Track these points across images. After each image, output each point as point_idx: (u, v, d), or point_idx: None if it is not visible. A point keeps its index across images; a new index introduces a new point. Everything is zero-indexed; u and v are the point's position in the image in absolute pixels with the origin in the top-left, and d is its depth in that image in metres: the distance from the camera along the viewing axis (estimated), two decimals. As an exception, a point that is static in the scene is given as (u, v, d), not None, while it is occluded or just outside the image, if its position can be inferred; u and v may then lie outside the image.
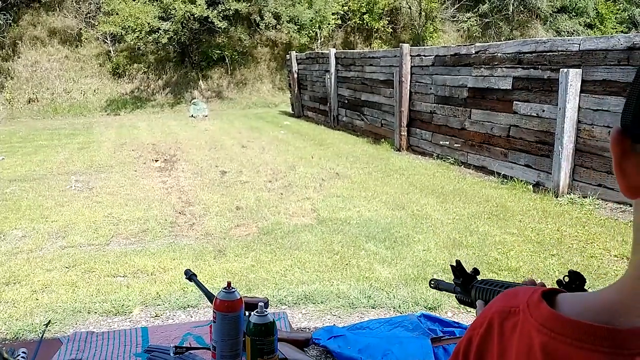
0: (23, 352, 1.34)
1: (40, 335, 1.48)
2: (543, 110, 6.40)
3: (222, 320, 1.24)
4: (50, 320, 3.34)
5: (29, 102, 18.59)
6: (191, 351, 1.34)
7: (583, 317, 0.50)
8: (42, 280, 4.14)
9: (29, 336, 3.29)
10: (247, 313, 1.33)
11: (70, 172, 8.28)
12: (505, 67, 7.01)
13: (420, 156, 8.97)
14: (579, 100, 5.90)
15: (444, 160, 8.29)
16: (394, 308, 3.55)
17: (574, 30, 23.24)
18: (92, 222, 5.66)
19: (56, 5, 20.64)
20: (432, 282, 1.28)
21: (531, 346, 0.52)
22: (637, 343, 0.46)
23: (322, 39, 21.59)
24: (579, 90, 5.89)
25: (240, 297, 1.27)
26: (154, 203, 6.36)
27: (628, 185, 0.50)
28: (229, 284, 1.28)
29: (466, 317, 3.44)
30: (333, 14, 20.15)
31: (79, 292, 3.92)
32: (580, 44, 5.91)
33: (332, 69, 12.66)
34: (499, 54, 7.13)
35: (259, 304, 1.22)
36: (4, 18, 18.94)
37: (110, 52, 20.20)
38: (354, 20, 21.78)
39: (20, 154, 10.18)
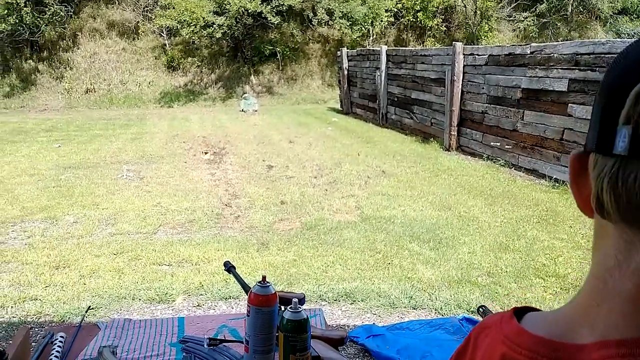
0: (61, 337, 1.37)
1: (80, 321, 1.51)
2: (599, 114, 6.17)
3: (255, 314, 1.24)
4: (90, 306, 3.42)
5: (87, 92, 19.16)
6: (225, 344, 1.34)
7: (540, 331, 0.54)
8: (90, 266, 4.25)
9: (74, 319, 3.38)
10: (281, 308, 1.32)
11: (122, 161, 8.49)
12: (561, 69, 6.81)
13: (469, 157, 8.81)
14: (639, 104, 5.67)
15: (494, 162, 8.13)
16: (435, 310, 3.50)
17: (634, 33, 22.40)
18: (140, 210, 5.79)
19: (115, -1, 21.20)
20: (481, 309, 1.27)
21: (493, 357, 0.56)
22: (583, 357, 0.48)
23: (374, 36, 21.48)
24: (639, 93, 5.65)
25: (275, 292, 1.26)
26: (201, 194, 6.46)
27: (581, 200, 0.54)
28: (264, 278, 1.28)
29: (510, 323, 3.35)
30: (386, 10, 20.00)
31: (124, 279, 4.01)
32: (642, 46, 5.68)
33: (383, 66, 12.57)
34: (555, 55, 6.93)
35: (293, 299, 1.21)
36: (65, 10, 19.57)
37: (165, 45, 20.61)
38: (407, 18, 21.58)
39: (76, 142, 10.49)
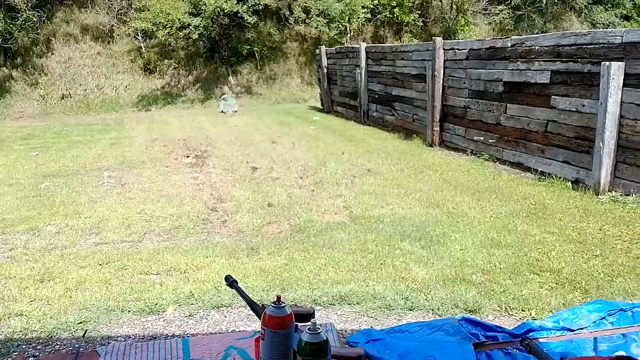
0: (61, 367, 1.28)
1: (76, 347, 1.42)
2: (583, 105, 6.20)
3: (272, 338, 1.16)
4: (87, 330, 3.31)
5: (62, 98, 18.85)
6: (236, 368, 1.27)
7: None
8: (76, 278, 4.13)
9: (62, 335, 3.27)
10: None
11: (102, 167, 8.33)
12: (543, 61, 6.81)
13: (453, 152, 8.80)
14: (622, 95, 5.70)
15: (478, 157, 8.12)
16: (432, 310, 3.45)
17: (609, 22, 22.64)
18: (124, 218, 5.67)
19: (88, 2, 20.87)
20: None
21: None
22: None
23: (352, 33, 21.43)
24: (622, 84, 5.68)
25: (291, 313, 1.19)
26: (185, 199, 6.35)
27: None
28: (278, 298, 1.20)
29: (508, 320, 3.33)
30: (363, 7, 19.95)
31: (112, 290, 3.90)
32: (623, 36, 5.70)
33: (363, 64, 12.52)
34: (536, 47, 6.94)
35: (312, 320, 1.14)
36: (38, 15, 19.22)
37: (141, 48, 20.35)
38: (383, 14, 21.55)
39: (54, 150, 10.29)
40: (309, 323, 1.18)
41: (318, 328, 1.14)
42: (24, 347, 3.17)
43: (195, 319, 3.47)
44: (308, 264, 4.26)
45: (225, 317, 3.49)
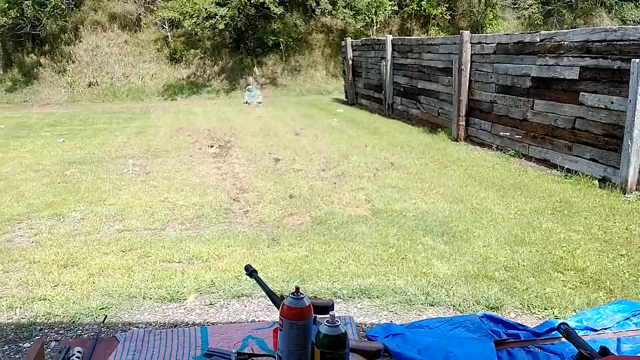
0: (78, 352, 1.29)
1: (96, 332, 1.43)
2: (612, 102, 6.07)
3: (289, 329, 1.15)
4: (106, 316, 3.34)
5: (89, 85, 19.07)
6: (254, 358, 1.26)
7: None
8: (99, 264, 4.18)
9: (85, 320, 3.31)
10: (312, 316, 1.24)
11: (127, 155, 8.41)
12: (572, 57, 6.68)
13: (478, 147, 8.70)
14: (653, 92, 5.57)
15: (503, 152, 8.02)
16: (453, 306, 3.41)
17: (640, 19, 22.16)
18: (148, 206, 5.71)
19: (117, -9, 21.06)
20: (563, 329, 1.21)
21: None
22: None
23: (378, 25, 21.29)
24: (654, 81, 5.55)
25: (309, 304, 1.18)
26: (209, 189, 6.38)
27: None
28: (297, 289, 1.19)
29: (530, 318, 3.28)
30: (390, -1, 19.83)
31: (134, 277, 3.93)
32: (656, 33, 5.57)
33: (389, 56, 12.43)
34: (565, 43, 6.81)
35: (330, 313, 1.12)
36: (67, 3, 19.45)
37: (168, 37, 20.48)
38: (411, 7, 21.37)
39: (80, 137, 10.42)
40: (327, 315, 1.16)
41: (337, 321, 1.12)
42: (46, 331, 3.21)
43: (216, 308, 3.48)
44: (328, 256, 4.24)
45: (246, 306, 3.50)
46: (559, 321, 3.09)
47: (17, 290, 3.75)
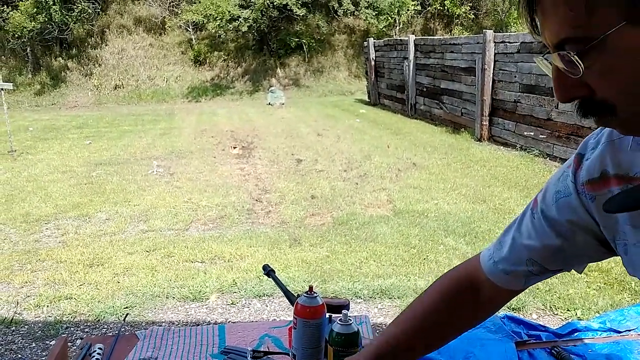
0: (99, 349, 1.32)
1: (118, 330, 1.46)
2: (639, 101, 5.97)
3: (303, 327, 1.17)
4: (128, 314, 3.40)
5: (115, 88, 19.35)
6: (269, 356, 1.28)
7: None
8: (124, 263, 4.25)
9: (109, 319, 3.38)
10: (327, 315, 1.25)
11: (152, 157, 8.52)
12: (598, 55, 6.59)
13: (502, 147, 8.63)
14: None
15: (527, 152, 7.94)
16: (474, 307, 3.39)
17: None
18: (172, 207, 5.79)
19: (142, -5, 21.34)
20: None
21: None
22: None
23: (401, 26, 21.23)
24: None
25: (323, 303, 1.20)
26: (231, 189, 6.43)
27: None
28: (310, 288, 1.21)
29: (552, 320, 3.25)
30: (412, -1, 19.77)
31: (158, 277, 3.99)
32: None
33: (411, 56, 12.40)
34: (591, 41, 6.71)
35: (343, 311, 1.14)
36: (93, 7, 19.77)
37: (192, 40, 20.69)
38: (434, 6, 21.27)
39: (106, 139, 10.58)
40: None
41: (349, 319, 1.14)
42: (72, 329, 3.28)
43: (237, 307, 3.52)
44: (349, 256, 4.26)
45: (267, 306, 3.53)
46: (577, 325, 3.07)
47: (44, 289, 3.84)
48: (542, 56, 0.73)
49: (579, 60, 0.62)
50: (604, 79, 0.63)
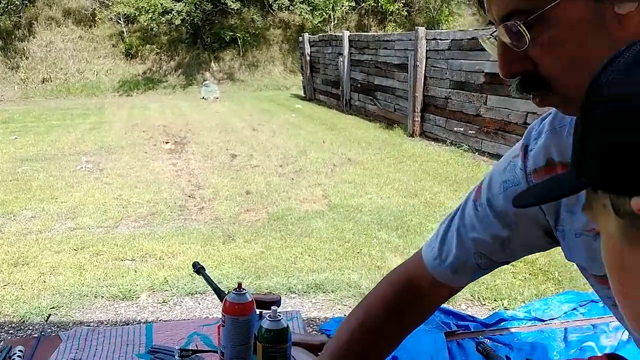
0: (20, 351, 1.27)
1: (40, 332, 1.41)
2: (561, 98, 6.23)
3: (231, 325, 1.16)
4: (50, 314, 3.28)
5: (43, 81, 18.60)
6: (197, 354, 1.26)
7: None
8: (50, 262, 4.10)
9: (35, 320, 3.25)
10: (258, 311, 1.25)
11: (81, 152, 8.23)
12: (524, 53, 6.83)
13: (433, 142, 8.83)
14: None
15: (457, 147, 8.16)
16: (406, 299, 3.46)
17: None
18: (101, 203, 5.61)
19: (69, -16, 20.57)
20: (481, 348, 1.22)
21: None
22: None
23: (336, 21, 21.35)
24: None
25: (252, 300, 1.19)
26: (163, 186, 6.30)
27: None
28: (239, 285, 1.20)
29: (480, 310, 3.36)
30: (347, -5, 19.92)
31: (86, 275, 3.87)
32: None
33: (346, 52, 12.49)
34: (517, 40, 6.95)
35: (272, 307, 1.13)
36: (20, -2, 18.92)
37: (123, 32, 20.11)
38: (368, 3, 21.50)
39: (33, 134, 10.15)
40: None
41: (278, 315, 1.13)
42: (-7, 332, 3.13)
43: (169, 306, 3.45)
44: (284, 252, 4.25)
45: (199, 304, 3.48)
46: (504, 315, 3.19)
47: (-37, 292, 3.65)
48: (487, 36, 0.74)
49: (525, 30, 0.63)
50: (548, 52, 0.65)
